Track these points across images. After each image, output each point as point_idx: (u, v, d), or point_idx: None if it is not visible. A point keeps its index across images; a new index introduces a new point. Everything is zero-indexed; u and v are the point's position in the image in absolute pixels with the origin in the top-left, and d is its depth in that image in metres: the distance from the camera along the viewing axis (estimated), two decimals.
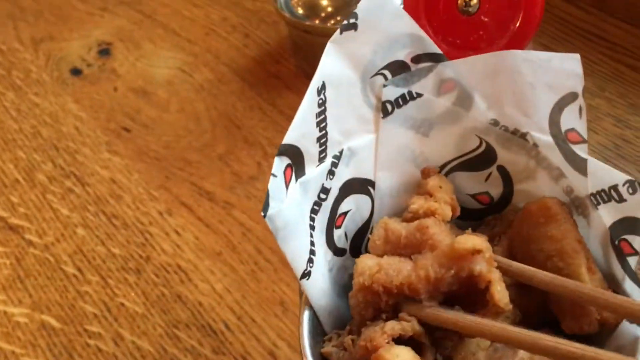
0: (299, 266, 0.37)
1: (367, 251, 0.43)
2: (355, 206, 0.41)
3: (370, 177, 0.41)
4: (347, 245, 0.42)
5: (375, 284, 0.35)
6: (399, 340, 0.37)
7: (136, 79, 0.77)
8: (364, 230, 0.43)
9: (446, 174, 0.42)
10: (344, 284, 0.42)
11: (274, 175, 0.34)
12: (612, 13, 0.76)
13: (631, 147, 0.65)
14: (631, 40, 0.73)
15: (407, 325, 0.37)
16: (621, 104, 0.68)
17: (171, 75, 0.77)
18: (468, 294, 0.35)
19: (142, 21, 0.82)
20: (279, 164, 0.35)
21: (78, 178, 0.68)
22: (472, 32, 0.56)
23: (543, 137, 0.39)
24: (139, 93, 0.75)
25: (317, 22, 0.70)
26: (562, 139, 0.38)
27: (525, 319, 0.40)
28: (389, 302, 0.36)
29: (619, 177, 0.36)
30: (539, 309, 0.40)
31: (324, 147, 0.38)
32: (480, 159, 0.41)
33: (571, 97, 0.37)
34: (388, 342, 0.36)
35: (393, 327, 0.36)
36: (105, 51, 0.80)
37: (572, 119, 0.37)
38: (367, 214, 0.42)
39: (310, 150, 0.37)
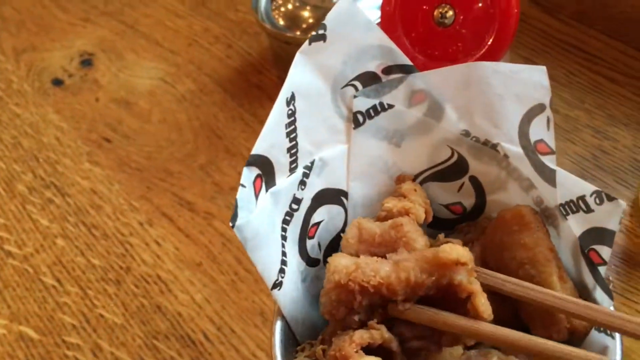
0: (270, 276, 0.37)
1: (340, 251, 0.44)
2: (328, 216, 0.42)
3: (343, 187, 0.42)
4: (320, 256, 0.42)
5: (352, 282, 0.35)
6: (369, 348, 0.37)
7: (118, 89, 0.77)
8: (338, 240, 0.43)
9: (419, 184, 0.43)
10: (317, 294, 0.43)
11: (243, 186, 0.35)
12: (592, 25, 0.77)
13: (609, 158, 0.65)
14: (610, 52, 0.74)
15: (376, 333, 0.37)
16: (600, 115, 0.69)
17: (153, 85, 0.77)
18: (444, 299, 0.36)
19: (124, 32, 0.83)
20: (248, 174, 0.35)
21: (58, 189, 0.68)
22: (449, 44, 0.56)
23: (513, 148, 0.39)
24: (120, 103, 0.75)
25: (298, 33, 0.70)
26: (531, 150, 0.38)
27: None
28: (362, 303, 0.35)
29: (586, 188, 0.36)
30: (511, 317, 0.40)
31: (294, 157, 0.38)
32: (452, 170, 0.42)
33: (539, 109, 0.37)
34: (357, 352, 0.36)
35: (362, 336, 0.36)
36: (87, 62, 0.80)
37: (541, 130, 0.38)
38: (340, 224, 0.42)
39: (280, 160, 0.37)
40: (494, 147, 0.40)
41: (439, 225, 0.43)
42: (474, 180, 0.42)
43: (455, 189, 0.42)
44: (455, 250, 0.34)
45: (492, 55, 0.52)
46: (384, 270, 0.35)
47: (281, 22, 0.71)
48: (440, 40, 0.56)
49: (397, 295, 0.35)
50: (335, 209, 0.42)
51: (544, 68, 0.36)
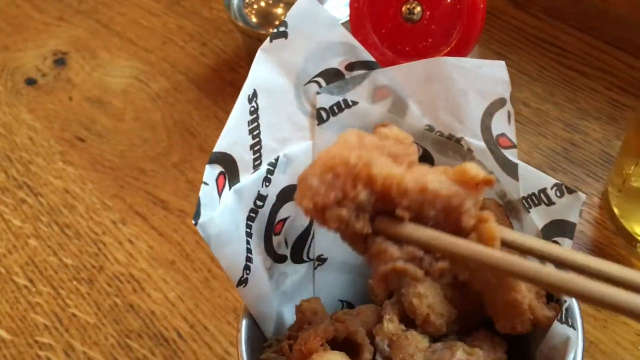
0: (235, 273, 0.37)
1: (308, 257, 0.44)
2: (295, 213, 0.42)
3: None
4: (287, 252, 0.42)
5: (361, 166, 0.29)
6: (334, 342, 0.38)
7: (92, 88, 0.76)
8: (305, 236, 0.43)
9: None
10: (285, 290, 0.43)
11: (206, 184, 0.35)
12: (564, 20, 0.78)
13: (579, 151, 0.66)
14: (581, 47, 0.75)
15: (341, 326, 0.37)
16: (570, 108, 0.70)
17: (127, 84, 0.77)
18: (438, 224, 0.30)
19: (98, 30, 0.82)
20: (211, 172, 0.35)
21: (31, 188, 0.68)
22: (418, 40, 0.57)
23: (476, 142, 0.40)
24: (94, 102, 0.75)
25: (270, 30, 0.70)
26: (493, 144, 0.39)
27: (462, 318, 0.40)
28: (358, 197, 0.29)
29: (547, 181, 0.37)
30: (476, 308, 0.41)
31: (258, 154, 0.38)
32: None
33: (500, 103, 0.38)
34: (322, 345, 0.36)
35: (326, 329, 0.37)
36: (60, 61, 0.79)
37: (502, 124, 0.38)
38: (306, 221, 0.43)
39: (243, 157, 0.37)
40: (458, 141, 0.40)
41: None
42: None
43: None
44: (480, 169, 0.29)
45: (460, 50, 0.53)
46: (398, 168, 0.29)
47: (254, 20, 0.71)
48: (409, 36, 0.56)
49: (405, 198, 0.29)
50: None
51: (503, 63, 0.37)
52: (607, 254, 0.58)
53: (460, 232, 0.29)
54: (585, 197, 0.35)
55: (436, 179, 0.29)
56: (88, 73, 0.78)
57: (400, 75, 0.39)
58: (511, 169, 0.38)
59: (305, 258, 0.43)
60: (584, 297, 0.26)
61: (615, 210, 0.59)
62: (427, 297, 0.39)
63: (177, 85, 0.76)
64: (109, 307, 0.59)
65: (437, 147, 0.41)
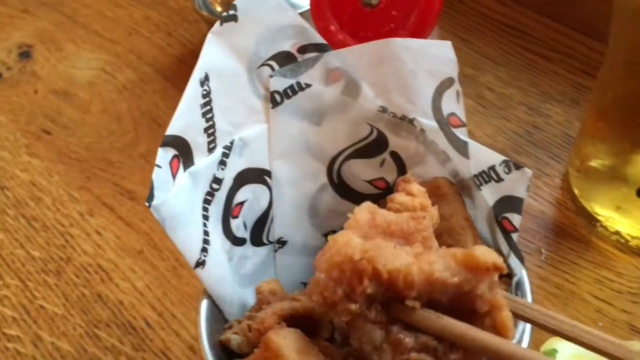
0: (192, 255, 0.37)
1: (268, 240, 0.44)
2: (252, 196, 0.42)
3: (266, 166, 0.42)
4: (247, 235, 0.43)
5: (365, 262, 0.29)
6: (293, 320, 0.38)
7: (57, 80, 0.76)
8: (264, 219, 0.43)
9: (342, 163, 0.43)
10: (245, 273, 0.43)
11: (159, 166, 0.35)
12: (530, 6, 0.79)
13: (542, 134, 0.67)
14: (546, 32, 0.76)
15: (297, 304, 0.38)
16: (534, 92, 0.71)
17: (93, 76, 0.77)
18: (455, 311, 0.30)
19: (63, 23, 0.82)
20: (164, 155, 0.35)
21: None
22: (379, 25, 0.57)
23: (428, 122, 0.40)
24: (60, 95, 0.75)
25: None
26: (445, 123, 0.39)
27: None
28: (367, 291, 0.29)
29: (496, 158, 0.37)
30: None
31: (212, 137, 0.38)
32: (372, 146, 0.43)
33: (449, 83, 0.38)
34: (279, 323, 0.37)
35: (283, 307, 0.37)
36: (25, 53, 0.79)
37: (452, 104, 0.39)
38: (265, 204, 0.43)
39: (197, 140, 0.37)
40: (411, 122, 0.41)
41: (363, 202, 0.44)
42: (394, 156, 0.43)
43: (377, 165, 0.43)
44: (491, 254, 0.29)
45: (417, 34, 0.53)
46: (404, 259, 0.29)
47: (218, 9, 0.71)
48: (370, 22, 0.56)
49: (412, 290, 0.29)
50: (259, 188, 0.42)
51: (449, 43, 0.37)
52: (568, 234, 0.59)
53: (475, 315, 0.30)
54: (532, 173, 0.36)
55: (443, 267, 0.29)
56: (53, 65, 0.78)
57: (352, 57, 0.40)
58: (462, 148, 0.39)
59: (265, 241, 0.44)
60: None
61: (575, 191, 0.60)
62: None
63: (143, 76, 0.76)
64: (76, 297, 0.59)
65: (391, 127, 0.42)
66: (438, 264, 0.29)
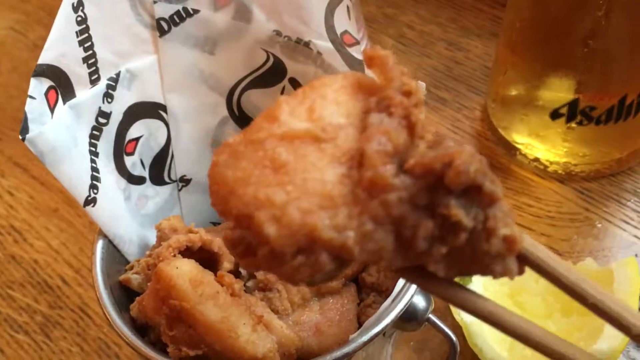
0: (80, 192, 0.36)
1: (170, 179, 0.43)
2: (148, 132, 0.40)
3: (160, 100, 0.40)
4: (145, 173, 0.41)
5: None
6: (193, 254, 0.37)
7: None
8: (163, 157, 0.42)
9: (241, 93, 0.42)
10: (147, 213, 0.42)
11: (32, 97, 0.33)
12: None
13: (462, 68, 0.66)
14: None
15: (195, 236, 0.36)
16: (453, 28, 0.70)
17: (2, 35, 0.73)
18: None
19: None
20: (38, 85, 0.34)
21: None
22: None
23: (324, 43, 0.39)
24: None
25: None
26: (339, 43, 0.38)
27: None
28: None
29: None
30: None
31: (94, 68, 0.36)
32: (270, 74, 0.41)
33: None
34: (174, 256, 0.35)
35: (178, 239, 0.36)
36: None
37: (343, 21, 0.37)
38: (163, 140, 0.41)
39: (76, 71, 0.35)
40: (307, 45, 0.39)
41: None
42: (293, 82, 0.41)
43: (278, 94, 0.42)
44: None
45: None
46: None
47: None
48: None
49: None
50: (154, 123, 0.41)
51: None
52: (490, 164, 0.59)
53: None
54: (425, 87, 0.35)
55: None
56: None
57: None
58: (358, 68, 0.38)
59: (166, 179, 0.42)
60: None
61: (494, 121, 0.59)
62: None
63: None
64: None
65: (287, 52, 0.40)
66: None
